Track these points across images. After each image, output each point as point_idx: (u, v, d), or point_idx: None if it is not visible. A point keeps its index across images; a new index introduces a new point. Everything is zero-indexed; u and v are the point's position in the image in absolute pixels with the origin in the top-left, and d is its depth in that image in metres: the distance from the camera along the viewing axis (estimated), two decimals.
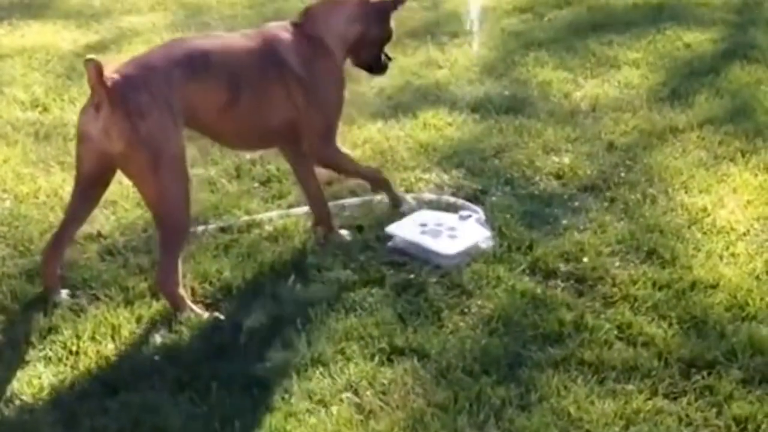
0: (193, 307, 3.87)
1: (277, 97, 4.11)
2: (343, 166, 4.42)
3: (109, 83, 3.69)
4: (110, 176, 3.96)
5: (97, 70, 3.65)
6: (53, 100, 5.97)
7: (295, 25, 4.24)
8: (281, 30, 4.20)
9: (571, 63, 6.30)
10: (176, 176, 3.85)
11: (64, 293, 4.00)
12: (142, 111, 3.73)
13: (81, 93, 6.04)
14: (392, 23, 4.43)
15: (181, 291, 3.87)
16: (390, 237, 4.32)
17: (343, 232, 4.39)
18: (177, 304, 3.85)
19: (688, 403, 3.39)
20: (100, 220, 4.49)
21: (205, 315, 3.86)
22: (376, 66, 4.51)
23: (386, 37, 4.44)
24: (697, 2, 7.37)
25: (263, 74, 4.07)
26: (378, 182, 4.52)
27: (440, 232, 4.30)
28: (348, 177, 4.63)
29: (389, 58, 4.50)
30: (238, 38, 4.19)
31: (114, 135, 3.72)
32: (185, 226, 3.94)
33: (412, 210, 4.49)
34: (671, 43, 6.56)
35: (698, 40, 6.61)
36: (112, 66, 3.83)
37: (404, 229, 4.33)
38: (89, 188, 3.95)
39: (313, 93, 4.15)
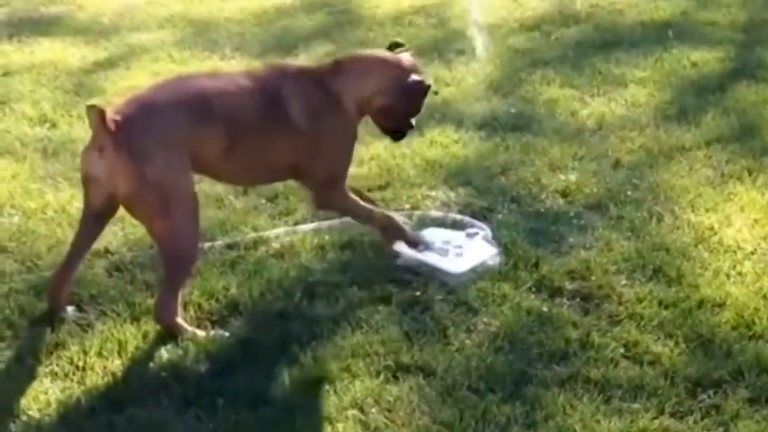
0: (195, 330, 3.85)
1: (277, 143, 4.04)
2: (350, 212, 4.28)
3: (112, 126, 3.65)
4: (118, 207, 3.94)
5: (100, 116, 3.64)
6: (61, 116, 6.00)
7: (314, 71, 4.16)
8: (291, 73, 4.12)
9: (578, 81, 6.31)
10: (186, 214, 3.83)
11: (70, 310, 4.01)
12: (147, 153, 3.69)
13: None
14: (425, 102, 4.28)
15: (179, 319, 3.84)
16: (397, 254, 4.32)
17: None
18: (178, 332, 3.82)
19: (695, 422, 3.38)
20: (108, 236, 4.49)
21: (211, 333, 3.87)
22: (397, 134, 4.40)
23: (416, 113, 4.31)
24: (704, 21, 7.39)
25: (263, 120, 3.99)
26: (390, 229, 4.28)
27: (447, 250, 4.30)
28: (359, 222, 4.36)
29: (411, 126, 4.35)
30: (241, 79, 4.08)
31: (120, 179, 3.69)
32: (192, 261, 3.94)
33: (427, 250, 4.28)
34: (678, 61, 6.57)
35: (705, 59, 6.62)
36: (114, 107, 3.81)
37: (411, 247, 4.33)
38: (98, 218, 3.96)
39: (317, 144, 4.06)
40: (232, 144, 3.93)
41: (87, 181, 3.84)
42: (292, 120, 4.02)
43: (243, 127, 3.96)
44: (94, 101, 6.06)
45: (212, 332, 3.86)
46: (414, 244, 4.27)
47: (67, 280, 4.01)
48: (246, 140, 3.97)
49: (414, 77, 4.21)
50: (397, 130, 4.38)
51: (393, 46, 4.36)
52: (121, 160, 3.67)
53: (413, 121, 4.34)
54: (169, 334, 3.84)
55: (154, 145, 3.73)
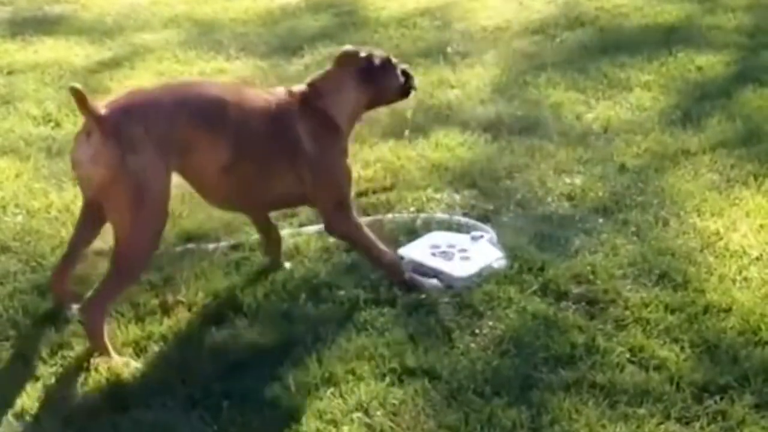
0: (109, 347, 3.72)
1: (279, 168, 3.95)
2: (359, 242, 4.14)
3: (103, 112, 3.63)
4: None
5: (80, 98, 3.59)
6: (66, 115, 5.99)
7: (301, 95, 4.07)
8: (289, 97, 4.04)
9: (583, 84, 6.30)
10: (154, 219, 3.74)
11: (75, 307, 3.99)
12: (134, 144, 3.62)
13: None
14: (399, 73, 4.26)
15: (105, 326, 3.73)
16: (401, 258, 4.31)
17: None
18: (95, 338, 3.71)
19: (701, 428, 3.37)
20: (112, 235, 4.49)
21: (119, 360, 3.69)
22: (405, 95, 4.35)
23: (398, 86, 4.28)
24: (709, 25, 7.38)
25: (271, 142, 3.92)
26: (391, 270, 4.13)
27: (452, 254, 4.30)
28: (362, 255, 4.22)
29: (409, 78, 4.31)
30: (256, 96, 4.03)
31: (101, 163, 3.62)
32: (142, 268, 3.86)
33: (433, 290, 4.11)
34: (683, 65, 6.56)
35: (710, 63, 6.61)
36: (114, 96, 3.79)
37: (416, 252, 4.32)
38: (94, 210, 3.88)
39: (319, 168, 4.00)
40: (232, 161, 3.85)
41: (73, 167, 3.80)
42: (298, 145, 3.96)
43: (248, 144, 3.87)
44: (98, 100, 6.15)
45: (120, 360, 3.69)
46: (409, 289, 4.10)
47: (66, 276, 4.01)
48: (247, 160, 3.88)
49: (374, 60, 4.17)
50: (400, 94, 4.33)
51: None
52: (106, 145, 3.60)
53: (402, 77, 4.28)
54: (88, 335, 3.74)
55: (143, 139, 3.64)
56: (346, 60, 4.19)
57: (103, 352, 3.70)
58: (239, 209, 4.33)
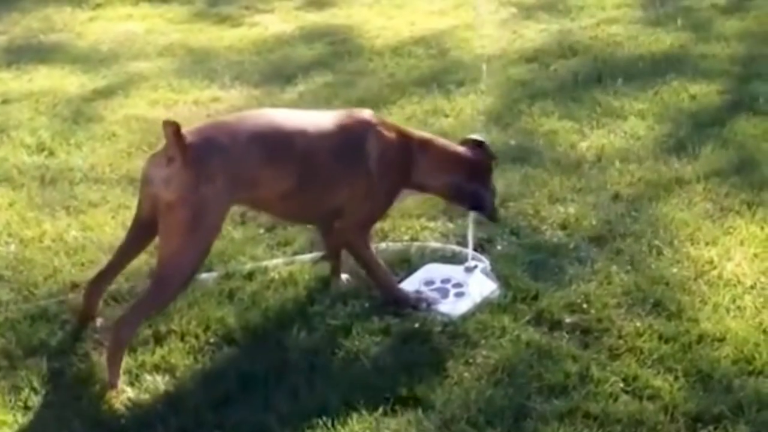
0: (119, 371, 3.74)
1: (340, 184, 4.09)
2: (364, 258, 4.25)
3: (188, 141, 3.73)
4: None
5: (175, 131, 3.70)
6: (59, 144, 5.99)
7: (403, 132, 4.25)
8: (382, 127, 4.17)
9: (577, 113, 6.31)
10: (201, 248, 3.84)
11: (99, 321, 4.09)
12: (210, 175, 3.75)
13: (87, 137, 6.07)
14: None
15: (124, 350, 3.79)
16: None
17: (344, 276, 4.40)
18: (114, 354, 3.74)
19: None
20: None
21: (123, 390, 3.73)
22: (478, 209, 4.46)
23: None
24: (703, 54, 7.40)
25: (336, 161, 4.05)
26: (385, 289, 4.26)
27: (447, 290, 4.29)
28: (362, 269, 4.32)
29: (484, 198, 4.39)
30: (326, 120, 4.13)
31: (173, 184, 3.72)
32: (180, 291, 3.93)
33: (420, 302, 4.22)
34: (677, 94, 6.57)
35: (704, 91, 6.62)
36: (197, 126, 3.90)
37: (410, 289, 4.31)
38: (142, 233, 3.97)
39: (376, 190, 4.13)
40: (296, 187, 3.98)
41: (144, 185, 3.89)
42: (364, 166, 4.09)
43: (312, 170, 4.00)
44: (93, 129, 6.16)
45: (124, 389, 3.72)
46: (402, 305, 4.20)
47: (101, 290, 4.11)
48: (311, 183, 4.02)
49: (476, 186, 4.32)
50: (473, 207, 4.45)
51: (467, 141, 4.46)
52: (185, 172, 3.72)
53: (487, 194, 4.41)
54: (108, 353, 3.75)
55: (219, 171, 3.77)
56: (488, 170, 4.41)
57: (113, 372, 3.72)
58: (298, 222, 4.68)
